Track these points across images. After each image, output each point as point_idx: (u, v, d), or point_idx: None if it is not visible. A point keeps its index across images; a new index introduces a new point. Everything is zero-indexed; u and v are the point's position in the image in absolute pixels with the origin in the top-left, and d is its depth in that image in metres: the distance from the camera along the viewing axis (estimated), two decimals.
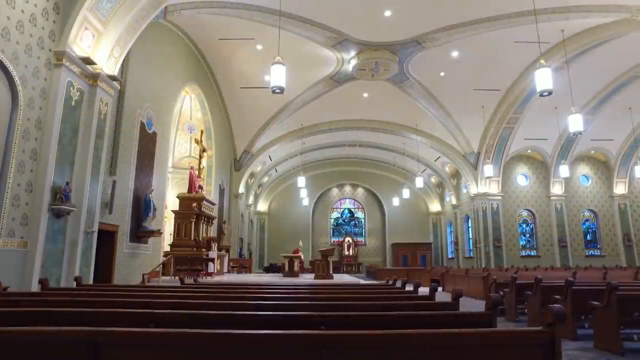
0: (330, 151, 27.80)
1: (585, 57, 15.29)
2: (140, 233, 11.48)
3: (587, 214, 24.34)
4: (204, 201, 15.36)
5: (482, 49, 15.39)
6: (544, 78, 9.07)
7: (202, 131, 16.90)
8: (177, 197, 15.26)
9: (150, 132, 12.22)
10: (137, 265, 11.46)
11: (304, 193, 24.44)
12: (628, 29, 12.58)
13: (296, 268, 16.33)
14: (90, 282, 8.39)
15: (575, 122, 11.57)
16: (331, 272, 15.03)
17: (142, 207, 11.55)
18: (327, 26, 13.98)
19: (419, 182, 22.82)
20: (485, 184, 22.48)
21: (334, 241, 31.39)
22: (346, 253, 30.57)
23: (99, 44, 8.62)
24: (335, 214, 32.50)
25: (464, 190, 25.38)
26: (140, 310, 3.38)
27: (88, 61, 8.33)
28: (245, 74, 17.28)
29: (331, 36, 14.49)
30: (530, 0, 11.18)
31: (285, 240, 28.57)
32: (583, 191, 24.27)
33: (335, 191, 32.29)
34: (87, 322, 2.44)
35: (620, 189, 23.89)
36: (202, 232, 15.22)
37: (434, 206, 31.23)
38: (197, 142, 15.89)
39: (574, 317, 6.08)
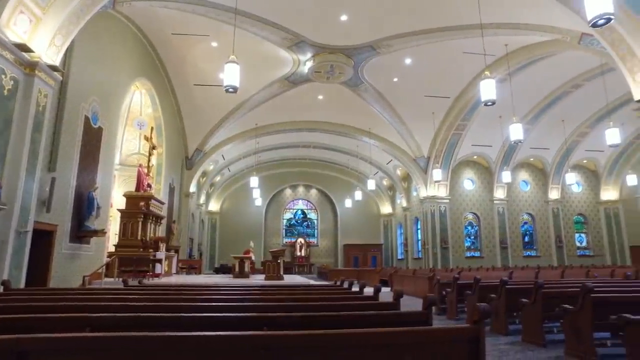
0: (285, 152, 27.79)
1: (526, 70, 16.31)
2: (82, 233, 10.91)
3: (525, 217, 25.89)
4: (153, 200, 14.85)
5: (433, 58, 16.01)
6: (488, 88, 9.57)
7: (152, 128, 16.33)
8: (124, 195, 14.65)
9: (95, 127, 11.66)
10: (77, 266, 10.88)
11: (257, 193, 24.26)
12: (561, 49, 13.60)
13: (247, 269, 16.18)
14: (22, 285, 7.86)
15: (516, 131, 12.30)
16: (282, 273, 15.01)
17: (85, 206, 10.97)
18: (283, 27, 13.98)
19: (371, 184, 23.34)
20: (434, 187, 23.35)
21: (286, 242, 31.37)
22: (298, 254, 30.64)
23: (37, 30, 8.10)
24: (288, 215, 32.49)
25: (414, 193, 26.22)
26: (75, 315, 3.25)
27: (24, 48, 7.76)
28: (200, 70, 16.91)
29: (287, 37, 14.50)
30: (478, 15, 11.79)
31: (236, 241, 28.18)
32: (522, 196, 25.80)
33: (288, 192, 32.30)
34: (14, 330, 2.31)
35: (554, 194, 25.63)
36: (150, 232, 14.70)
37: (385, 208, 32.02)
38: (146, 139, 15.32)
39: (506, 313, 6.49)
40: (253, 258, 18.35)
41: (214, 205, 29.92)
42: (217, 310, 3.78)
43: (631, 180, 22.37)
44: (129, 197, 14.41)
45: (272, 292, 6.00)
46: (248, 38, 14.04)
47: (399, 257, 30.03)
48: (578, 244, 26.07)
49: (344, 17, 13.61)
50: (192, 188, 22.25)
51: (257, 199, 25.80)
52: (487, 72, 9.73)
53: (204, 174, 24.88)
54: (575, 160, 25.01)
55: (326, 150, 27.41)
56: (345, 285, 6.85)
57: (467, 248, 24.62)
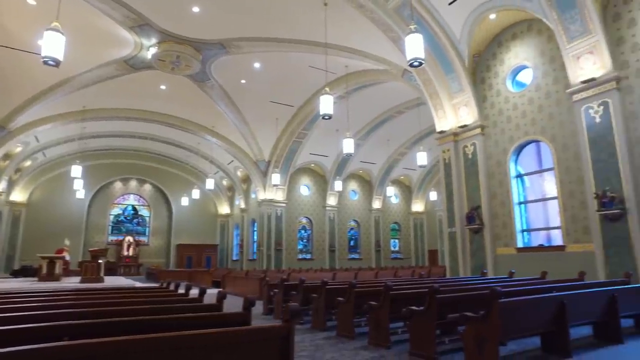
0: (117, 141, 25.15)
1: (362, 92, 18.23)
2: None
3: (352, 223, 28.76)
4: None
5: (282, 66, 16.62)
6: (327, 103, 10.37)
7: None
8: None
9: None
10: None
11: (79, 184, 21.28)
12: (389, 78, 15.67)
13: (58, 271, 14.06)
14: None
15: (348, 145, 13.61)
16: (102, 274, 13.52)
17: None
18: (126, 4, 12.69)
19: (210, 183, 22.86)
20: (272, 191, 24.14)
21: (112, 240, 28.34)
22: (125, 253, 27.99)
23: None
24: (116, 210, 29.41)
25: (253, 196, 26.64)
26: None
27: None
28: (9, 30, 14.04)
29: (130, 16, 13.22)
30: (324, 34, 12.76)
31: (48, 238, 24.28)
32: (351, 204, 28.62)
33: (118, 185, 29.27)
34: None
35: (377, 204, 29.16)
36: None
37: (224, 208, 31.70)
38: None
39: (326, 311, 7.12)
40: (68, 258, 16.04)
41: (20, 195, 25.09)
42: (6, 322, 3.22)
43: (433, 196, 27.11)
44: None
45: (86, 297, 5.38)
46: (80, 6, 12.33)
47: (235, 258, 30.04)
48: (392, 248, 30.13)
49: (196, 9, 13.10)
50: None
51: (80, 190, 22.56)
52: (327, 89, 10.55)
53: (8, 156, 20.76)
54: (395, 176, 28.90)
55: (165, 144, 25.80)
56: (172, 287, 6.58)
57: (300, 250, 26.08)
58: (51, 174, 25.83)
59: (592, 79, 9.52)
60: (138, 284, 11.69)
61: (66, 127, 20.47)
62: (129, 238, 28.41)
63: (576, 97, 9.91)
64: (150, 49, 15.02)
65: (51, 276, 13.86)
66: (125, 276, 24.54)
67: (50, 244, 22.52)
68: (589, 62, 9.62)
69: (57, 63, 7.22)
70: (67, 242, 20.25)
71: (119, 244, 28.11)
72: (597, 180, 9.35)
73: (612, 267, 8.94)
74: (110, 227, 28.79)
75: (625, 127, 9.13)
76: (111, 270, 25.28)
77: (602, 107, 9.45)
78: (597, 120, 9.50)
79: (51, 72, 15.08)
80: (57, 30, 7.10)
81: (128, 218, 29.76)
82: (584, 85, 9.68)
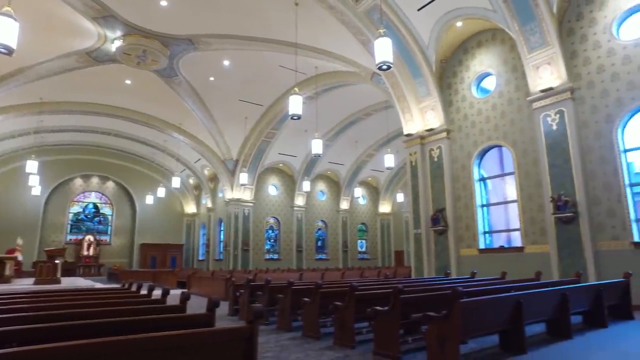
0: (79, 136, 24.18)
1: (331, 93, 18.30)
2: None
3: (320, 224, 28.85)
4: None
5: (252, 65, 16.47)
6: (296, 103, 10.37)
7: None
8: None
9: None
10: None
11: (34, 180, 20.30)
12: (358, 81, 15.83)
13: (9, 272, 13.37)
14: None
15: (317, 146, 13.65)
16: (59, 275, 12.96)
17: None
18: None
19: (177, 182, 22.37)
20: (240, 190, 23.89)
21: (71, 239, 27.20)
22: (85, 253, 26.90)
23: None
24: (76, 208, 28.24)
25: (220, 195, 26.26)
26: None
27: None
28: None
29: (93, 6, 12.74)
30: (294, 34, 12.75)
31: None
32: (319, 204, 28.69)
33: (79, 182, 28.12)
34: None
35: (344, 204, 29.37)
36: None
37: (190, 207, 31.09)
38: None
39: (291, 311, 7.11)
40: (20, 258, 15.28)
41: None
42: None
43: (400, 197, 27.60)
44: None
45: (40, 300, 5.15)
46: None
47: (201, 258, 29.51)
48: (359, 249, 30.42)
49: (164, 3, 12.79)
50: None
51: (35, 187, 21.53)
52: (296, 89, 10.56)
53: None
54: (362, 177, 29.20)
55: (130, 140, 25.04)
56: (134, 288, 6.40)
57: (267, 250, 25.92)
58: (4, 169, 24.50)
59: (550, 89, 9.98)
60: (98, 285, 11.30)
61: (21, 120, 19.49)
62: (90, 237, 27.35)
63: (535, 105, 10.36)
64: (115, 42, 14.54)
65: (0, 278, 13.14)
66: (85, 277, 23.63)
67: (0, 244, 21.39)
68: (547, 72, 10.08)
69: (9, 51, 6.82)
70: (19, 241, 19.29)
71: (79, 243, 27.01)
72: (553, 185, 9.80)
73: (565, 267, 9.40)
74: (69, 226, 27.62)
75: (578, 135, 9.63)
76: (69, 271, 24.27)
77: (558, 116, 9.91)
78: (554, 127, 9.96)
79: (3, 60, 14.32)
80: (10, 16, 6.70)
81: (89, 216, 28.65)
82: (542, 94, 10.14)
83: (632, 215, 8.81)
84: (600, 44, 9.56)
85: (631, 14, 9.35)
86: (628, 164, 9.26)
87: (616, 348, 5.28)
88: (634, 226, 8.75)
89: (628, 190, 8.96)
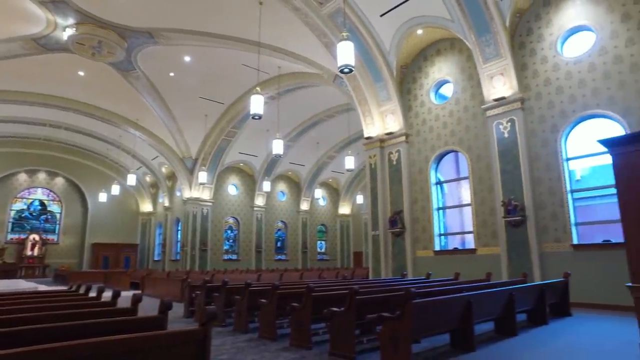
0: (24, 128, 22.79)
1: (293, 94, 18.30)
2: None
3: (280, 224, 28.72)
4: None
5: (213, 62, 16.17)
6: (257, 103, 10.28)
7: None
8: None
9: None
10: None
11: None
12: (321, 82, 15.94)
13: None
14: None
15: (277, 146, 13.58)
16: None
17: None
18: None
19: (132, 179, 21.56)
20: (199, 189, 23.38)
21: (12, 238, 25.57)
22: (29, 253, 25.37)
23: None
24: (20, 205, 26.58)
25: (178, 194, 25.58)
26: None
27: None
28: None
29: None
30: (257, 33, 12.65)
31: None
32: (279, 205, 28.56)
33: (23, 177, 26.48)
34: None
35: (304, 205, 29.40)
36: None
37: (146, 206, 30.08)
38: None
39: (248, 313, 7.05)
40: None
41: None
42: None
43: (359, 199, 27.98)
44: None
45: None
46: None
47: (156, 258, 28.61)
48: (319, 250, 30.53)
49: None
50: None
51: None
52: (258, 88, 10.48)
53: None
54: (323, 178, 29.36)
55: (82, 135, 23.87)
56: (82, 290, 6.12)
57: (226, 251, 25.50)
58: None
59: (502, 98, 10.48)
60: (43, 287, 10.70)
61: None
62: (34, 236, 25.82)
63: (489, 113, 10.84)
64: (66, 30, 13.82)
65: None
66: (27, 279, 22.28)
67: None
68: (500, 83, 10.58)
69: None
70: None
71: (21, 242, 25.44)
72: (504, 190, 10.30)
73: (514, 268, 9.89)
74: (10, 224, 25.95)
75: (527, 143, 10.18)
76: (9, 273, 22.85)
77: (509, 124, 10.43)
78: (506, 135, 10.46)
79: None
80: None
81: (34, 214, 27.04)
82: (495, 102, 10.62)
83: (572, 219, 9.42)
84: (547, 59, 10.16)
85: (572, 33, 10.01)
86: (570, 172, 9.88)
87: (555, 344, 5.61)
88: (574, 229, 9.37)
89: (569, 196, 9.57)
